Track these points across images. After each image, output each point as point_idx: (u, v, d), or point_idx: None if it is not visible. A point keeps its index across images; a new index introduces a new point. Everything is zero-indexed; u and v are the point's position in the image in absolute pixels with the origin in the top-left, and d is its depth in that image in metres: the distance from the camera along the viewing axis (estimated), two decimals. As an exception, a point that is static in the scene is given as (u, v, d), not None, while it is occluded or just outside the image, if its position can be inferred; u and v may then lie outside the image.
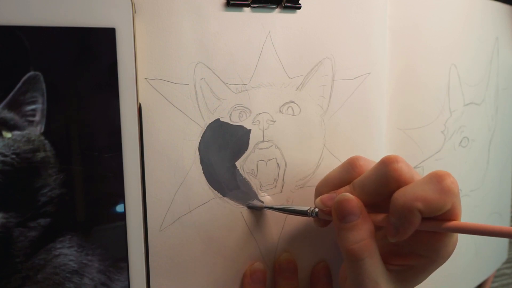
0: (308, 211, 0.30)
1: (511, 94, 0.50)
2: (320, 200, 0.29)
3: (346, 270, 0.28)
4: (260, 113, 0.31)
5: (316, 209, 0.30)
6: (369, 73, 0.35)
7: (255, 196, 0.32)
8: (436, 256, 0.27)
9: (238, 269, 0.32)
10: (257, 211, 0.32)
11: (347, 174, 0.30)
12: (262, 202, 0.32)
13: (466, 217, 0.43)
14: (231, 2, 0.29)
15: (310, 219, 0.32)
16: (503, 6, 0.46)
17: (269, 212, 0.32)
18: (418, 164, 0.39)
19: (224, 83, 0.30)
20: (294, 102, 0.32)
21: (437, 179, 0.25)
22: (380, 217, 0.27)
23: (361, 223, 0.26)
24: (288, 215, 0.33)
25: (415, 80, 0.38)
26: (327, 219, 0.29)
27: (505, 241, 0.52)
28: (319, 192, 0.31)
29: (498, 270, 0.52)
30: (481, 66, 0.43)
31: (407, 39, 0.37)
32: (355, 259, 0.26)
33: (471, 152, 0.43)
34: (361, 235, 0.26)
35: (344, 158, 0.34)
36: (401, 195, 0.25)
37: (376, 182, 0.27)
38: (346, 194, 0.27)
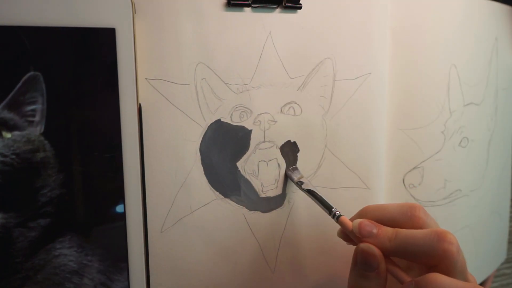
0: (333, 210, 0.30)
1: (511, 94, 0.50)
2: (359, 224, 0.28)
3: None
4: (261, 114, 0.31)
5: (339, 214, 0.30)
6: (370, 73, 0.35)
7: (257, 197, 0.32)
8: None
9: (240, 270, 0.32)
10: (259, 213, 0.32)
11: (401, 217, 0.29)
12: (295, 177, 0.32)
13: (466, 217, 0.43)
14: (232, 2, 0.29)
15: (312, 221, 0.32)
16: (503, 7, 0.46)
17: (271, 214, 0.32)
18: (418, 164, 0.39)
19: (225, 83, 0.30)
20: (295, 103, 0.32)
21: None
22: (403, 276, 0.27)
23: (376, 276, 0.27)
24: (290, 217, 0.33)
25: (415, 80, 0.38)
26: (348, 234, 0.30)
27: (504, 241, 0.52)
28: (365, 214, 0.30)
29: (498, 270, 0.52)
30: (480, 66, 0.44)
31: (408, 39, 0.37)
32: None
33: (470, 152, 0.43)
34: (371, 285, 0.27)
35: (345, 158, 0.35)
36: (437, 283, 0.25)
37: (422, 249, 0.27)
38: (372, 248, 0.27)
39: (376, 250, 0.27)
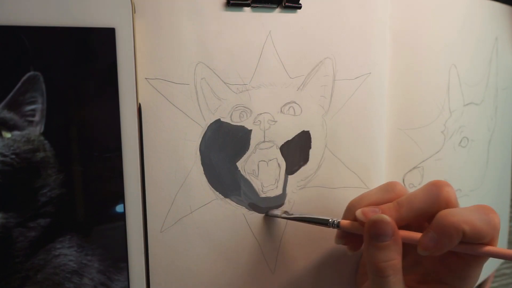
0: (330, 221, 0.31)
1: (511, 94, 0.50)
2: (362, 211, 0.29)
3: (370, 284, 0.29)
4: (261, 113, 0.31)
5: (337, 220, 0.31)
6: (370, 73, 0.35)
7: (257, 197, 0.32)
8: (460, 285, 0.29)
9: (239, 270, 0.32)
10: (259, 213, 0.32)
11: (385, 194, 0.31)
12: (278, 212, 0.32)
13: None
14: (232, 2, 0.29)
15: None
16: (503, 7, 0.46)
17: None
18: (418, 164, 0.39)
19: (224, 83, 0.30)
20: (295, 102, 0.32)
21: (485, 211, 0.27)
22: (416, 235, 0.28)
23: (392, 244, 0.28)
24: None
25: (415, 80, 0.38)
26: (354, 232, 0.30)
27: (504, 241, 0.52)
28: (353, 208, 0.31)
29: (498, 270, 0.52)
30: (480, 66, 0.44)
31: (408, 39, 0.37)
32: (381, 276, 0.28)
33: (470, 152, 0.43)
34: (390, 255, 0.28)
35: (345, 158, 0.35)
36: (450, 214, 0.27)
37: (425, 202, 0.29)
38: (383, 216, 0.28)
39: (387, 217, 0.28)
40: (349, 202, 0.32)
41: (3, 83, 0.25)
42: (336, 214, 0.34)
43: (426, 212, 0.29)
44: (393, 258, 0.28)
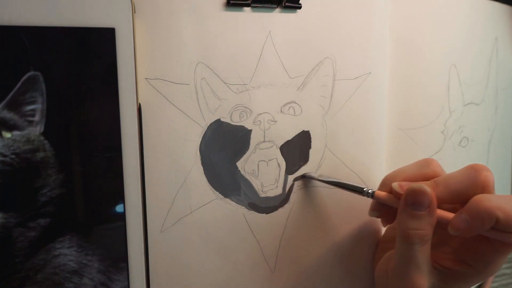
0: (364, 190, 0.31)
1: (510, 94, 0.50)
2: (399, 184, 0.30)
3: (396, 250, 0.30)
4: (261, 113, 0.31)
5: (371, 190, 0.31)
6: (370, 73, 0.35)
7: (257, 196, 0.32)
8: (483, 268, 0.29)
9: (240, 270, 0.32)
10: (259, 213, 0.32)
11: (421, 170, 0.31)
12: (315, 175, 0.33)
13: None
14: (232, 2, 0.29)
15: (312, 221, 0.32)
16: (503, 7, 0.46)
17: (271, 214, 0.32)
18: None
19: (224, 83, 0.30)
20: (295, 102, 0.32)
21: None
22: (448, 214, 0.28)
23: (426, 215, 0.28)
24: (290, 217, 0.33)
25: (415, 80, 0.38)
26: (389, 203, 0.30)
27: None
28: (388, 182, 0.31)
29: (498, 270, 0.52)
30: (480, 66, 0.44)
31: (408, 39, 0.37)
32: (408, 242, 0.28)
33: (470, 152, 0.43)
34: (422, 225, 0.28)
35: (345, 158, 0.34)
36: (486, 199, 0.27)
37: (462, 184, 0.29)
38: (423, 186, 0.28)
39: (428, 188, 0.28)
40: (384, 176, 0.32)
41: (3, 83, 0.25)
42: (336, 214, 0.35)
43: (462, 194, 0.28)
44: (423, 229, 0.28)
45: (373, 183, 0.36)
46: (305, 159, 0.33)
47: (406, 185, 0.29)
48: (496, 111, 0.47)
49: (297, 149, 0.33)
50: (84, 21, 0.26)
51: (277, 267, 0.33)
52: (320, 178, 0.33)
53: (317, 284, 0.35)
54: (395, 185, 0.30)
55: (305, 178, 0.33)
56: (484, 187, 0.28)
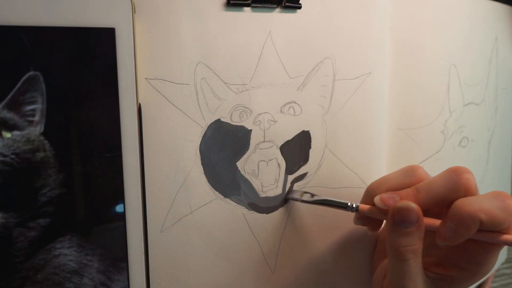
0: (349, 205, 0.31)
1: (510, 94, 0.50)
2: (380, 198, 0.30)
3: (389, 266, 0.29)
4: (261, 113, 0.31)
5: (356, 204, 0.31)
6: (370, 73, 0.35)
7: (257, 196, 0.32)
8: (477, 270, 0.29)
9: (240, 270, 0.32)
10: (259, 213, 0.32)
11: (405, 179, 0.31)
12: (298, 194, 0.33)
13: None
14: (232, 1, 0.29)
15: (312, 221, 0.32)
16: (503, 6, 0.46)
17: (271, 214, 0.32)
18: (418, 164, 0.39)
19: (224, 83, 0.30)
20: (295, 102, 0.32)
21: (502, 198, 0.27)
22: (435, 222, 0.28)
23: (416, 230, 0.28)
24: (290, 217, 0.33)
25: (415, 80, 0.38)
26: (373, 216, 0.31)
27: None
28: (373, 192, 0.31)
29: (498, 270, 0.52)
30: (480, 66, 0.44)
31: (408, 39, 0.37)
32: (401, 259, 0.28)
33: (470, 152, 0.43)
34: (412, 240, 0.28)
35: (345, 158, 0.34)
36: (466, 204, 0.27)
37: (444, 188, 0.29)
38: (409, 203, 0.28)
39: (413, 204, 0.28)
40: (368, 185, 0.32)
41: (3, 83, 0.25)
42: (336, 214, 0.35)
43: (445, 199, 0.29)
44: (414, 244, 0.28)
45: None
46: (305, 159, 0.33)
47: (388, 198, 0.29)
48: (496, 111, 0.47)
49: (297, 149, 0.33)
50: (84, 21, 0.26)
51: (277, 267, 0.33)
52: (301, 199, 0.32)
53: (317, 284, 0.35)
54: (377, 200, 0.30)
55: (288, 199, 0.33)
56: (466, 190, 0.28)
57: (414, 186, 0.30)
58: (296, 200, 0.33)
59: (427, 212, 0.29)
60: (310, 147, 0.33)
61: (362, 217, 0.32)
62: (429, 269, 0.30)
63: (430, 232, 0.29)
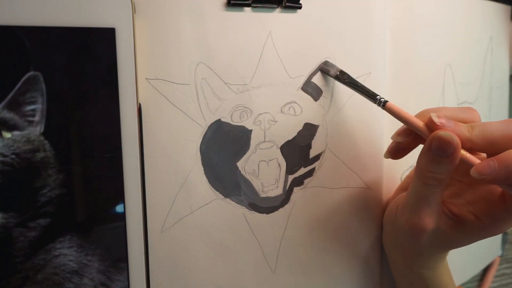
0: (378, 97, 0.31)
1: (504, 93, 0.50)
2: (438, 116, 0.29)
3: (410, 186, 0.30)
4: (261, 113, 0.31)
5: (383, 99, 0.30)
6: (370, 73, 0.35)
7: (257, 197, 0.32)
8: (490, 223, 0.29)
9: (240, 270, 0.32)
10: (259, 213, 0.32)
11: (462, 114, 0.30)
12: (333, 71, 0.32)
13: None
14: (232, 2, 0.29)
15: (312, 221, 0.32)
16: (498, 6, 0.46)
17: (271, 214, 0.33)
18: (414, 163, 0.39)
19: (225, 83, 0.30)
20: (295, 102, 0.32)
21: None
22: (475, 159, 0.28)
23: (448, 162, 0.28)
24: (291, 217, 0.33)
25: (413, 80, 0.38)
26: (417, 131, 0.30)
27: (498, 237, 0.53)
28: (427, 112, 0.30)
29: (498, 270, 0.52)
30: (475, 65, 0.44)
31: (407, 39, 0.37)
32: (423, 182, 0.29)
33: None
34: (440, 169, 0.28)
35: (345, 158, 0.35)
36: None
37: (499, 133, 0.28)
38: (452, 136, 0.28)
39: (456, 139, 0.28)
40: (424, 109, 0.32)
41: (3, 83, 0.25)
42: (337, 214, 0.35)
43: (496, 144, 0.28)
44: (441, 173, 0.28)
45: (373, 183, 0.36)
46: (305, 159, 0.33)
47: (446, 120, 0.29)
48: (490, 110, 0.47)
49: (297, 149, 0.33)
50: (84, 21, 0.25)
51: (277, 267, 0.33)
52: (337, 75, 0.32)
53: (318, 285, 0.35)
54: (433, 115, 0.29)
55: (322, 71, 0.32)
56: None
57: (469, 123, 0.29)
58: (328, 74, 0.32)
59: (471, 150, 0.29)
60: (310, 147, 0.33)
61: (405, 133, 0.31)
62: (448, 208, 0.31)
63: (457, 182, 0.29)
